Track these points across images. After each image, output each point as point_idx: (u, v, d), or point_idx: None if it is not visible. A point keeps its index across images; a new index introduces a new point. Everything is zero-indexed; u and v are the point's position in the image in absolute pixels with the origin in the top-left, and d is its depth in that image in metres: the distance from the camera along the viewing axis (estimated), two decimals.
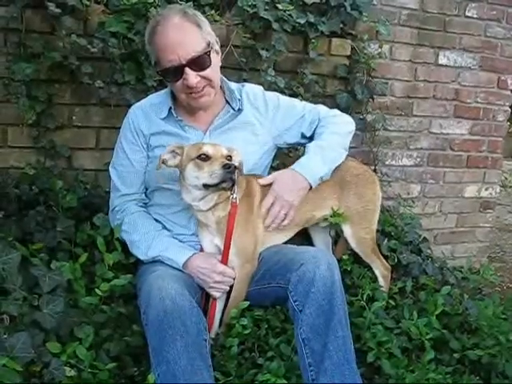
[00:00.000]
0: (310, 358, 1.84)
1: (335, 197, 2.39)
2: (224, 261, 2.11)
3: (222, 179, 1.95)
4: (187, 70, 2.04)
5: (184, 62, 2.04)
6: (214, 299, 2.16)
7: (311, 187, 2.25)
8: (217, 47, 2.18)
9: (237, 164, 2.07)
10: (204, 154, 2.00)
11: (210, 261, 2.12)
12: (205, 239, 2.18)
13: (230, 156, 2.05)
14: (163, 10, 2.20)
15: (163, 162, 2.07)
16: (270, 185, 2.24)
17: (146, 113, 2.25)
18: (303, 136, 2.43)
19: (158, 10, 2.51)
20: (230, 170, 1.94)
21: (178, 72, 2.06)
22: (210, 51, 2.08)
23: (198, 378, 1.73)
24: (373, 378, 2.13)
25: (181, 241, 2.22)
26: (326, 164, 2.30)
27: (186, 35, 2.05)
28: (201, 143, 2.09)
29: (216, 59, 2.16)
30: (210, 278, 2.10)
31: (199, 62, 2.06)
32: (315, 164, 2.27)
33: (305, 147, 2.40)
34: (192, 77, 2.06)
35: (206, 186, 2.00)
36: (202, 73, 2.08)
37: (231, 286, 2.16)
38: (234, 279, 2.15)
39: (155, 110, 2.25)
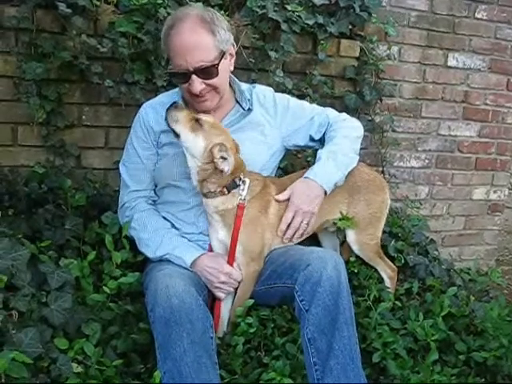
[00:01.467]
0: (316, 358, 1.85)
1: (346, 201, 2.38)
2: (230, 261, 2.12)
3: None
4: (194, 77, 2.05)
5: (191, 69, 2.04)
6: (219, 300, 2.16)
7: (325, 193, 2.25)
8: (232, 51, 2.18)
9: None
10: None
11: (218, 261, 2.12)
12: (212, 235, 2.19)
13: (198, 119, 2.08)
14: (181, 9, 2.18)
15: None
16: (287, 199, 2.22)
17: (157, 111, 2.27)
18: (311, 139, 2.43)
19: (167, 11, 2.52)
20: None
21: (184, 77, 2.07)
22: (219, 63, 2.07)
23: (203, 376, 1.74)
24: (378, 379, 2.14)
25: (189, 240, 2.23)
26: (340, 169, 2.28)
27: (198, 43, 2.03)
28: None
29: (227, 65, 2.15)
30: (216, 277, 2.10)
31: (207, 72, 2.06)
32: (329, 170, 2.26)
33: (315, 151, 2.39)
34: (197, 84, 2.06)
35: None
36: (208, 81, 2.08)
37: (237, 288, 2.17)
38: (239, 282, 2.15)
39: (166, 108, 2.26)
